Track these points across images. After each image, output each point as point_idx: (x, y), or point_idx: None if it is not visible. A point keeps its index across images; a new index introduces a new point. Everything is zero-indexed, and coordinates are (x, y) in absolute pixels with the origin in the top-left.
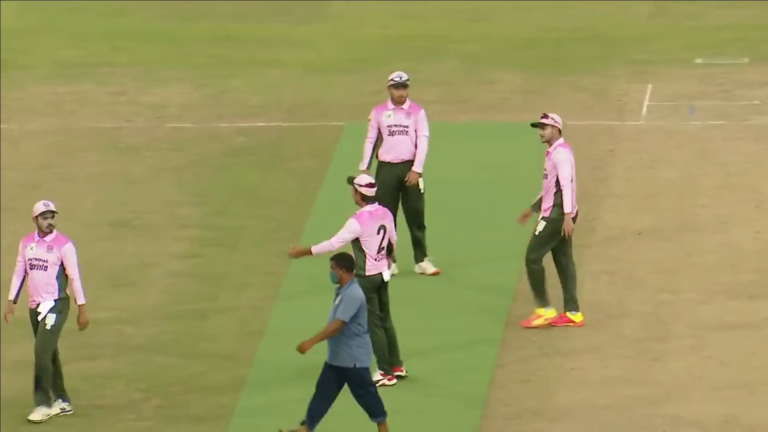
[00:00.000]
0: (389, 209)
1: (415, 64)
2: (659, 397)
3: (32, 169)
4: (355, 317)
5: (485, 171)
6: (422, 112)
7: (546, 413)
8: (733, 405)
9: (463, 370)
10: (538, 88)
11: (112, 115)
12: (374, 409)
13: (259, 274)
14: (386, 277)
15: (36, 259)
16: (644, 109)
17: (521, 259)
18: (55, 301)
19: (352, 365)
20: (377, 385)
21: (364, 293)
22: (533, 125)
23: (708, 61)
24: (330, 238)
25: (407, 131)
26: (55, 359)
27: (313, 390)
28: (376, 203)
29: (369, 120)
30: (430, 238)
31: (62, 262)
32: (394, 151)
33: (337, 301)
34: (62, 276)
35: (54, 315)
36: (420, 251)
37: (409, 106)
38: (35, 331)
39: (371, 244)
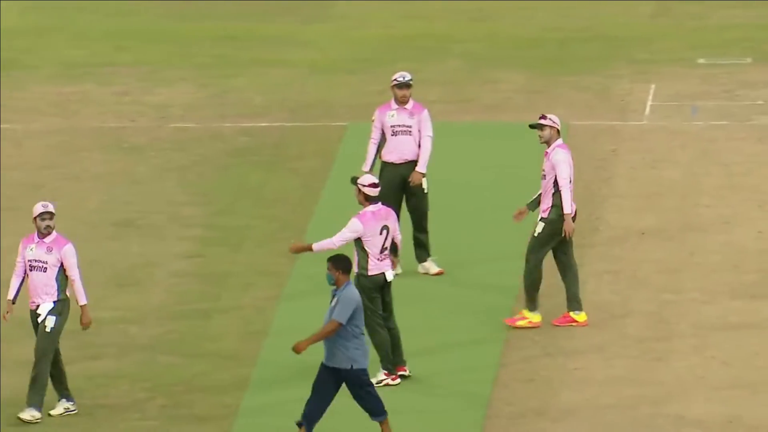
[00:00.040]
0: (393, 209)
1: (418, 63)
2: (662, 397)
3: (36, 169)
4: (351, 319)
5: (488, 171)
6: (425, 112)
7: (549, 413)
8: (736, 405)
9: (467, 370)
10: (542, 88)
11: (116, 115)
12: (374, 408)
13: (262, 274)
14: (389, 276)
15: (36, 261)
16: (647, 109)
17: (524, 259)
18: (54, 302)
19: (350, 367)
20: (381, 384)
21: (367, 293)
22: (531, 126)
23: (711, 62)
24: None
25: (410, 131)
26: (56, 360)
27: None
28: (380, 203)
29: (372, 120)
30: (433, 238)
31: (62, 264)
32: (397, 152)
33: (333, 303)
34: (62, 277)
35: (54, 317)
36: (423, 251)
37: (413, 106)
38: (36, 331)
39: (374, 244)
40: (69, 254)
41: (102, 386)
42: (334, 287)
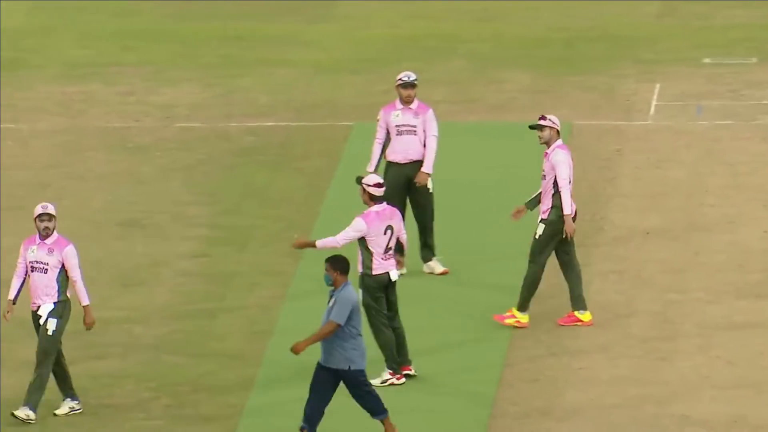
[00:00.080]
0: (398, 209)
1: (423, 63)
2: (667, 397)
3: (41, 168)
4: (349, 319)
5: (493, 171)
6: (430, 112)
7: (554, 412)
8: (741, 405)
9: (472, 370)
10: (547, 88)
11: (121, 114)
12: (374, 407)
13: (267, 273)
14: (393, 276)
15: (37, 262)
16: (652, 109)
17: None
18: (54, 303)
19: (347, 367)
20: (386, 384)
21: (372, 292)
22: (531, 127)
23: (716, 61)
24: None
25: (415, 131)
26: (59, 361)
27: None
28: (384, 203)
29: (377, 120)
30: (438, 237)
31: (63, 265)
32: (402, 151)
33: (330, 303)
34: (63, 278)
35: (55, 320)
36: (428, 251)
37: (418, 106)
38: (37, 332)
39: (378, 244)
40: (70, 255)
41: (107, 386)
42: (332, 288)
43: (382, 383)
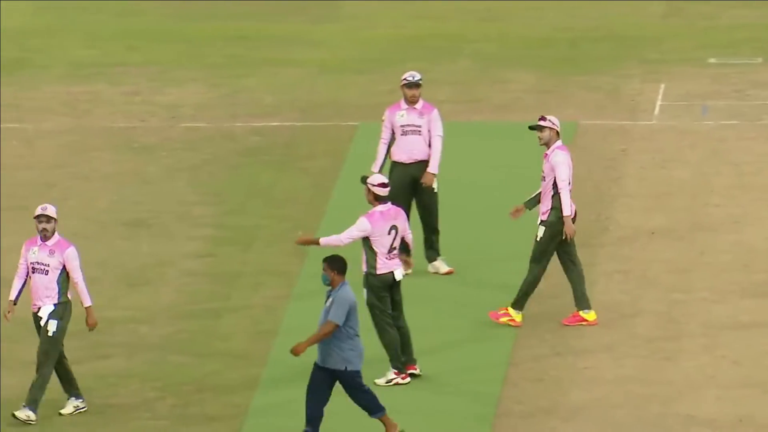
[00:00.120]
0: (402, 209)
1: (428, 63)
2: (672, 397)
3: (47, 168)
4: (346, 319)
5: (498, 171)
6: (435, 112)
7: (559, 412)
8: (747, 404)
9: (476, 369)
10: (552, 88)
11: (127, 114)
12: (371, 406)
13: (272, 273)
14: (398, 276)
15: (38, 263)
16: (657, 109)
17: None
18: (54, 305)
19: (344, 368)
20: (391, 383)
21: (376, 292)
22: (531, 128)
23: (721, 61)
24: (340, 233)
25: (420, 131)
26: (61, 361)
27: None
28: (389, 203)
29: (382, 120)
30: (443, 237)
31: (64, 266)
32: (407, 151)
33: (328, 303)
34: (63, 280)
35: (55, 321)
36: (433, 251)
37: (422, 106)
38: (38, 333)
39: (382, 244)
40: (71, 257)
41: (112, 385)
42: (329, 288)
43: (387, 383)
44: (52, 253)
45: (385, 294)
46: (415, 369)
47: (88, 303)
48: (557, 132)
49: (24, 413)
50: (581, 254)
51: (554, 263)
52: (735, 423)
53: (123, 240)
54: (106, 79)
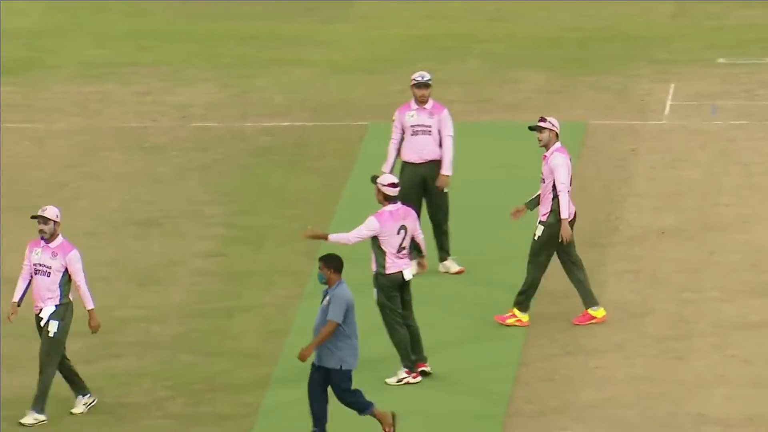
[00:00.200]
0: (413, 209)
1: (438, 63)
2: (683, 396)
3: (58, 168)
4: (344, 318)
5: (508, 170)
6: (445, 112)
7: (570, 411)
8: (757, 403)
9: (487, 368)
10: (561, 88)
11: (137, 114)
12: (359, 404)
13: (283, 273)
14: (407, 275)
15: (40, 265)
16: (667, 109)
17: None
18: (56, 306)
19: (339, 367)
20: (402, 383)
21: (386, 291)
22: (531, 128)
23: (730, 61)
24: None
25: (430, 131)
26: (64, 363)
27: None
28: (399, 203)
29: (393, 120)
30: (453, 237)
31: (67, 269)
32: (417, 151)
33: (325, 302)
34: (65, 282)
35: (56, 322)
36: (444, 250)
37: (432, 106)
38: (40, 334)
39: (390, 244)
40: (73, 260)
41: (124, 385)
42: (326, 286)
43: (398, 382)
44: (54, 255)
45: (395, 293)
46: (426, 366)
47: (90, 306)
48: (557, 134)
49: (31, 417)
50: (591, 254)
51: (556, 265)
52: (745, 422)
53: (134, 239)
54: (117, 79)
